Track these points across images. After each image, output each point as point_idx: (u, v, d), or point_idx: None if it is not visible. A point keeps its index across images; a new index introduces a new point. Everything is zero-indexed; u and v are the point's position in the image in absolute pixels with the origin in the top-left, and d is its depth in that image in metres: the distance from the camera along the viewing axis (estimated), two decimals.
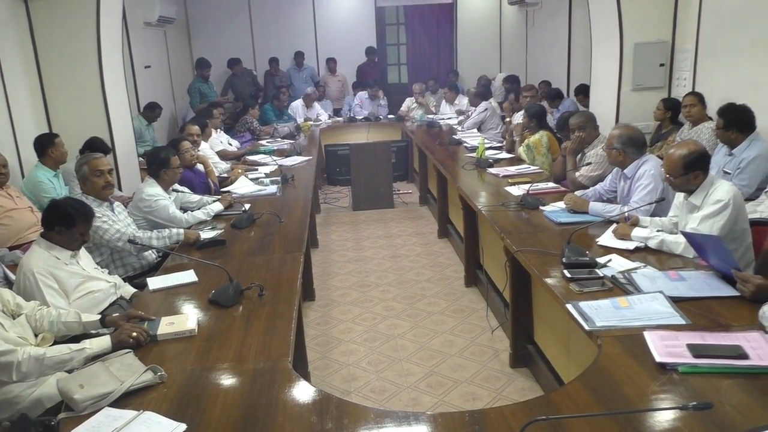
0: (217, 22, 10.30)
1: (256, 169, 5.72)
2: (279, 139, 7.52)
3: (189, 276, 3.08)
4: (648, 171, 3.61)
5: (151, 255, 3.80)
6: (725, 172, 4.14)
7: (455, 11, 11.01)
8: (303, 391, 2.04)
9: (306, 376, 3.32)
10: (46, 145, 4.73)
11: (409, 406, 3.27)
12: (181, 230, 3.71)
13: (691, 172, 2.98)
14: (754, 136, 4.13)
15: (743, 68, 4.66)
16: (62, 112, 5.24)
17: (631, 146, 3.69)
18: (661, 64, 5.58)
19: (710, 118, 4.82)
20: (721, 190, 2.93)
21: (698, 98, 4.93)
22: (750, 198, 3.89)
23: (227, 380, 2.13)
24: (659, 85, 5.64)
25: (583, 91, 6.90)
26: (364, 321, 4.33)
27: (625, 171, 3.76)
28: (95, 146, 4.72)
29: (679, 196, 3.19)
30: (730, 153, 4.20)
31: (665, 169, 3.11)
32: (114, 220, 3.56)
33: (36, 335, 2.52)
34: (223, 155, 6.30)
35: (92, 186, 3.53)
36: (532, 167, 5.10)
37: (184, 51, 10.20)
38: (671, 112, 5.33)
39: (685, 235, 2.84)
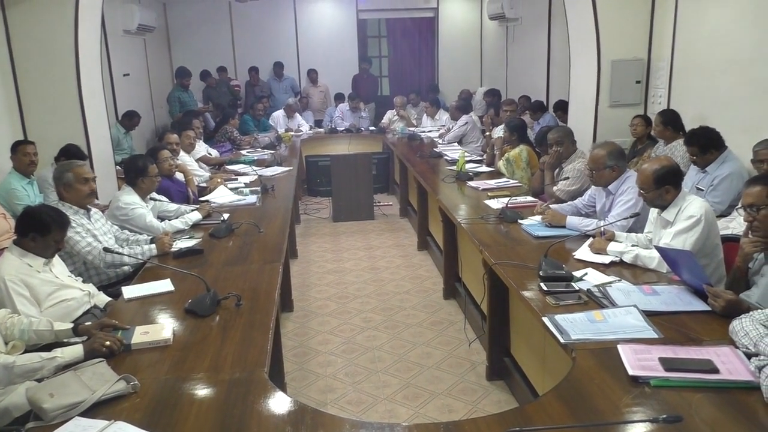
0: (197, 31, 10.25)
1: (236, 179, 5.69)
2: (259, 149, 7.50)
3: (165, 285, 3.04)
4: (631, 187, 3.63)
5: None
6: (698, 189, 4.21)
7: (437, 25, 11.11)
8: (279, 402, 2.02)
9: (282, 387, 3.29)
10: (11, 152, 4.68)
11: (386, 417, 3.26)
12: (153, 246, 3.57)
13: (662, 186, 3.04)
14: (726, 153, 4.21)
15: (717, 85, 4.76)
16: (38, 119, 5.16)
17: (621, 159, 3.78)
18: (638, 81, 5.69)
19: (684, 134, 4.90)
20: (693, 206, 2.98)
21: (663, 119, 5.00)
22: (722, 214, 3.96)
23: (202, 390, 2.11)
24: (636, 101, 5.74)
25: (561, 107, 6.99)
26: (342, 332, 4.32)
27: (608, 187, 3.79)
28: (71, 153, 4.65)
29: (654, 212, 3.24)
30: (704, 170, 4.28)
31: (638, 184, 3.16)
32: (88, 230, 3.50)
33: (6, 343, 2.47)
34: (204, 161, 6.27)
35: (76, 193, 3.48)
36: (512, 181, 5.15)
37: (163, 59, 10.14)
38: (650, 127, 5.43)
39: (659, 250, 2.89)
